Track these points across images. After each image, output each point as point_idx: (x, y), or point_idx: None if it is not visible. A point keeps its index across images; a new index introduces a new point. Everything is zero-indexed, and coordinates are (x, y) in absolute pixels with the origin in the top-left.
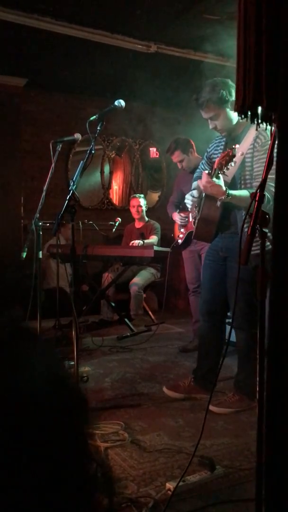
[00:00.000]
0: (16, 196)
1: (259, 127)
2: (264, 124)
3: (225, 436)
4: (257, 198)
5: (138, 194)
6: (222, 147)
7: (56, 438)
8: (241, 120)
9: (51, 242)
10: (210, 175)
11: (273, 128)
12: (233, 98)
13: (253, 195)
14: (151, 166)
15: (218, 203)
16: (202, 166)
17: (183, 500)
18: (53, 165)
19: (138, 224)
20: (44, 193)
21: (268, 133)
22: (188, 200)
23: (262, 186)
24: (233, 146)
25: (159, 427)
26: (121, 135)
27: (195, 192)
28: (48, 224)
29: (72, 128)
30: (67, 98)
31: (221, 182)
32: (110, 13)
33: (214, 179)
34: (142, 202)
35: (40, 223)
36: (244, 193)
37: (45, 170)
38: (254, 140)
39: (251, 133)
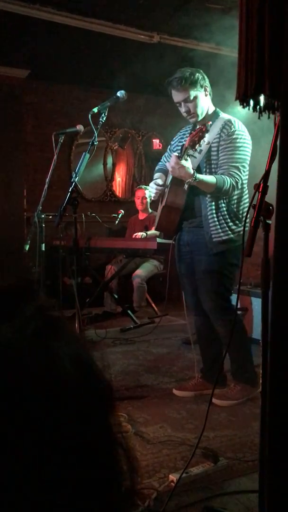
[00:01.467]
0: (19, 188)
1: (261, 115)
2: (267, 113)
3: (229, 428)
4: (260, 189)
5: (144, 186)
6: (186, 139)
7: (85, 426)
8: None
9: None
10: (179, 157)
11: (277, 117)
12: (207, 84)
13: (256, 186)
14: (154, 158)
15: (186, 186)
16: (164, 159)
17: (186, 491)
18: (55, 157)
19: (141, 216)
20: (46, 186)
21: (235, 124)
22: (152, 189)
23: (266, 176)
24: (207, 122)
25: (162, 419)
26: (124, 126)
27: (159, 181)
28: (50, 217)
29: (75, 120)
30: (70, 89)
31: (189, 164)
32: (112, 3)
33: (183, 161)
34: (147, 193)
35: (43, 216)
36: (211, 178)
37: (48, 162)
38: (220, 129)
39: (219, 123)
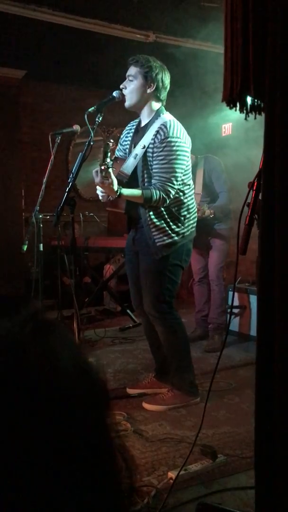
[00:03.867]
0: (17, 188)
1: (248, 116)
2: (253, 113)
3: (227, 425)
4: (254, 188)
5: None
6: (131, 134)
7: (81, 428)
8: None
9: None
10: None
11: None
12: (157, 85)
13: (250, 184)
14: None
15: (110, 198)
16: (117, 152)
17: (185, 488)
18: (52, 157)
19: None
20: (44, 186)
21: (170, 128)
22: (99, 192)
23: (260, 175)
24: (107, 142)
25: (161, 417)
26: (121, 126)
27: None
28: (48, 217)
29: (72, 120)
30: (66, 89)
31: (114, 183)
32: (108, 3)
33: (104, 181)
34: None
35: (41, 216)
36: (136, 192)
37: (46, 162)
38: (154, 135)
39: (155, 125)
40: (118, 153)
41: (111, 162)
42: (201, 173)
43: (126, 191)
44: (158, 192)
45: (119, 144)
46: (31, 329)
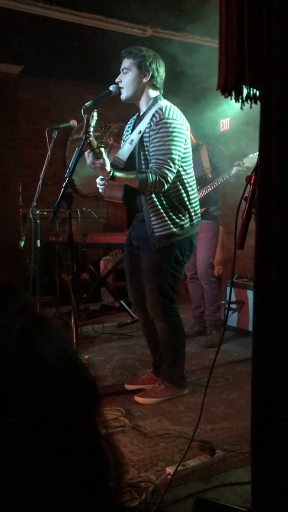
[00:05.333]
0: (14, 184)
1: (244, 105)
2: (249, 102)
3: (226, 420)
4: (252, 182)
5: None
6: (131, 126)
7: (70, 426)
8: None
9: None
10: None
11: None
12: (152, 74)
13: (247, 179)
14: None
15: (105, 183)
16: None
17: (183, 484)
18: (49, 152)
19: None
20: (40, 181)
21: (166, 111)
22: (100, 185)
23: (257, 168)
24: (92, 113)
25: (159, 412)
26: (118, 121)
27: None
28: (45, 213)
29: (69, 115)
30: (63, 84)
31: (105, 162)
32: None
33: (97, 160)
34: None
35: (38, 212)
36: (131, 175)
37: (43, 158)
38: (150, 119)
39: (152, 110)
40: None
41: (103, 143)
42: (205, 152)
43: (119, 173)
44: (154, 175)
45: (122, 141)
46: (18, 329)
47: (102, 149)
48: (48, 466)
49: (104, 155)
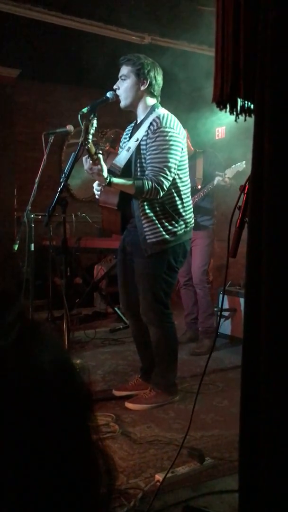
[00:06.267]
0: (9, 188)
1: (238, 118)
2: (243, 115)
3: (215, 428)
4: (245, 191)
5: None
6: (129, 133)
7: (63, 433)
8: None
9: None
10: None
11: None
12: (150, 81)
13: (241, 188)
14: None
15: (101, 188)
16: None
17: (172, 491)
18: (45, 156)
19: None
20: (36, 185)
21: (164, 120)
22: (96, 191)
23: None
24: (90, 118)
25: (149, 419)
26: (115, 126)
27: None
28: (40, 217)
29: (66, 120)
30: (61, 89)
31: (103, 168)
32: (104, 4)
33: (94, 166)
34: None
35: (32, 215)
36: (127, 182)
37: (39, 162)
38: (148, 127)
39: (150, 119)
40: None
41: (100, 150)
42: (201, 161)
43: (116, 180)
44: (150, 182)
45: (120, 147)
46: (14, 338)
47: (100, 156)
48: (41, 473)
49: (102, 162)
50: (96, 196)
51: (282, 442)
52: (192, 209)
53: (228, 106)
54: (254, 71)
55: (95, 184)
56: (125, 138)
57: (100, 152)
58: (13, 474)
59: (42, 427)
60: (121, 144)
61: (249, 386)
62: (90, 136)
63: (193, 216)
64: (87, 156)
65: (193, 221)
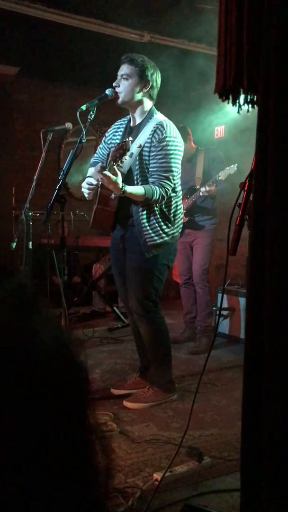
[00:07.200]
0: (7, 186)
1: (241, 109)
2: (246, 106)
3: (214, 427)
4: (245, 188)
5: None
6: (120, 133)
7: (61, 410)
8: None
9: None
10: (105, 168)
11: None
12: (151, 84)
13: (241, 185)
14: None
15: (112, 196)
16: (100, 151)
17: (170, 490)
18: (43, 154)
19: None
20: (34, 183)
21: (167, 128)
22: (85, 189)
23: (251, 176)
24: (127, 139)
25: (148, 418)
26: None
27: (92, 180)
28: (38, 215)
29: (65, 118)
30: (60, 87)
31: (118, 179)
32: (103, 2)
33: (111, 175)
34: None
35: (30, 213)
36: (139, 190)
37: (37, 160)
38: (151, 134)
39: (151, 124)
40: (100, 151)
41: (114, 161)
42: (202, 159)
43: (129, 189)
44: (158, 189)
45: (102, 142)
46: (12, 305)
47: (115, 167)
48: (37, 454)
49: (118, 171)
50: (85, 195)
51: (284, 440)
52: (182, 210)
53: (230, 97)
54: (257, 61)
55: (84, 183)
56: (114, 136)
57: (116, 163)
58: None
59: (39, 399)
60: (105, 139)
61: (251, 384)
62: (124, 158)
63: (183, 216)
64: (101, 165)
65: (182, 222)
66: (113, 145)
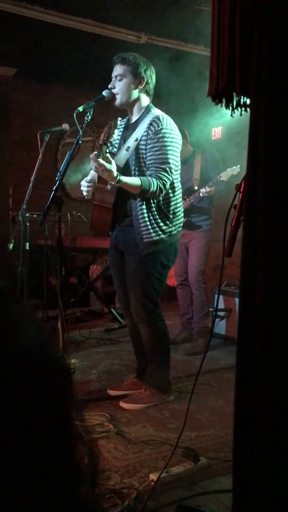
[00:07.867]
0: (4, 187)
1: (234, 113)
2: (239, 109)
3: (210, 428)
4: (241, 190)
5: None
6: (120, 133)
7: (39, 410)
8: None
9: None
10: (98, 156)
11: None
12: (146, 80)
13: (237, 186)
14: None
15: (108, 186)
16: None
17: (166, 491)
18: (40, 155)
19: None
20: (31, 184)
21: (163, 121)
22: (84, 187)
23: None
24: (114, 118)
25: (144, 418)
26: None
27: (89, 177)
28: (35, 216)
29: (62, 119)
30: (57, 88)
31: (112, 167)
32: (100, 3)
33: (105, 163)
34: None
35: (27, 214)
36: (135, 181)
37: (35, 161)
38: (147, 127)
39: (148, 119)
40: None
41: (107, 148)
42: (199, 160)
43: (125, 178)
44: (155, 181)
45: (104, 145)
46: None
47: (108, 155)
48: (17, 457)
49: (112, 159)
50: (84, 194)
51: (276, 442)
52: (182, 209)
53: (224, 100)
54: (250, 64)
55: (83, 181)
56: (118, 135)
57: (108, 151)
58: None
59: (23, 400)
60: (111, 139)
61: (244, 386)
62: (112, 138)
63: (183, 216)
64: (95, 154)
65: (182, 221)
66: (116, 142)
